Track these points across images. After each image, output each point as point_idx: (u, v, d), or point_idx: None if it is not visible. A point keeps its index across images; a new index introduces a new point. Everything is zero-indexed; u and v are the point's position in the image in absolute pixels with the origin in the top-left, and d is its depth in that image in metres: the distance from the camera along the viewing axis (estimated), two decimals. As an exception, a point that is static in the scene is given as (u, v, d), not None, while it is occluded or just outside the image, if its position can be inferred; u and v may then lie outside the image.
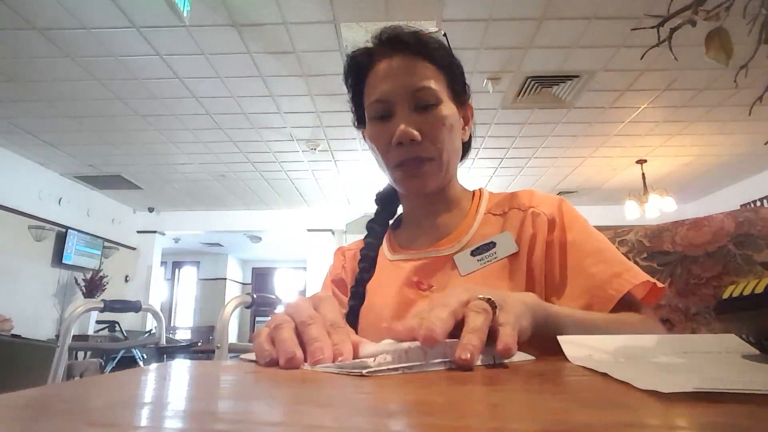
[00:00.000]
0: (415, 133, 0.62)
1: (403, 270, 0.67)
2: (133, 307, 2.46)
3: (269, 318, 0.43)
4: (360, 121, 0.74)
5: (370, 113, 0.68)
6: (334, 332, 0.38)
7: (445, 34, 0.70)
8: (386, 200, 0.80)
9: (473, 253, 0.64)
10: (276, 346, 0.38)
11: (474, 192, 0.76)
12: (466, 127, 0.72)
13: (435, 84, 0.65)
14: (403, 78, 0.64)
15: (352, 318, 0.68)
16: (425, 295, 0.64)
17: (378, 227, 0.78)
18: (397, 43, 0.66)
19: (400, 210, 0.80)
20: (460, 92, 0.70)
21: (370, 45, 0.69)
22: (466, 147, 0.75)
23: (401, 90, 0.64)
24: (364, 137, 0.74)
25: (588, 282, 0.58)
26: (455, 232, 0.69)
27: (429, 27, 0.70)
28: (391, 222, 0.80)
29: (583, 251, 0.61)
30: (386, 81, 0.65)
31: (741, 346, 0.32)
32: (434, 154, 0.65)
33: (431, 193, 0.69)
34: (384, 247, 0.75)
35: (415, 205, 0.75)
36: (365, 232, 0.78)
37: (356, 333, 0.64)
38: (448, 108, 0.66)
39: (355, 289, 0.71)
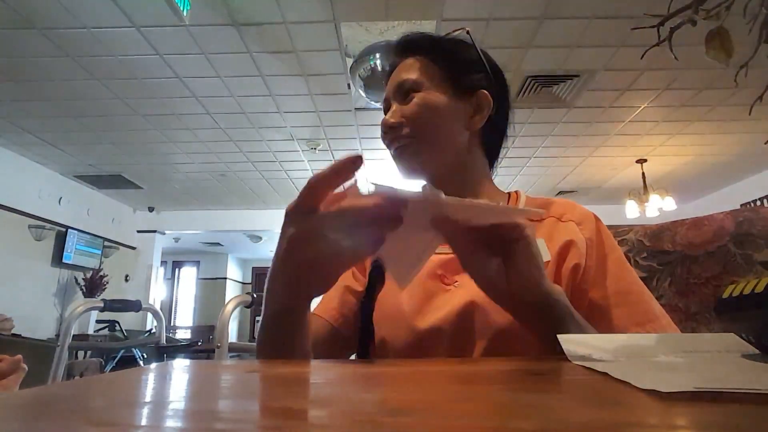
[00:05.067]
0: (390, 119, 0.67)
1: (430, 262, 0.65)
2: (133, 306, 2.46)
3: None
4: None
5: None
6: None
7: (468, 32, 0.72)
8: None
9: None
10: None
11: (510, 194, 0.74)
12: (477, 116, 0.70)
13: (419, 75, 0.68)
14: (395, 77, 0.71)
15: (368, 303, 0.67)
16: (448, 289, 0.63)
17: None
18: (399, 48, 0.73)
19: None
20: (461, 81, 0.69)
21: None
22: (494, 138, 0.73)
23: (392, 88, 0.70)
24: None
25: (608, 324, 0.57)
26: None
27: (459, 31, 0.74)
28: None
29: (610, 287, 0.60)
30: (388, 83, 0.72)
31: (741, 346, 0.32)
32: (412, 135, 0.67)
33: (423, 176, 0.69)
34: None
35: None
36: None
37: (371, 321, 0.64)
38: (432, 95, 0.67)
39: (373, 274, 0.69)
